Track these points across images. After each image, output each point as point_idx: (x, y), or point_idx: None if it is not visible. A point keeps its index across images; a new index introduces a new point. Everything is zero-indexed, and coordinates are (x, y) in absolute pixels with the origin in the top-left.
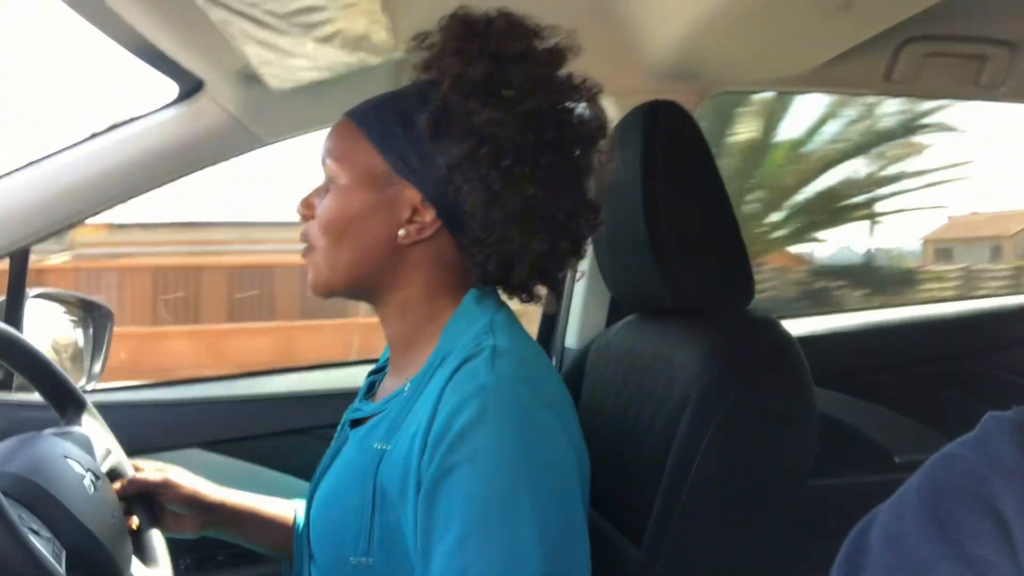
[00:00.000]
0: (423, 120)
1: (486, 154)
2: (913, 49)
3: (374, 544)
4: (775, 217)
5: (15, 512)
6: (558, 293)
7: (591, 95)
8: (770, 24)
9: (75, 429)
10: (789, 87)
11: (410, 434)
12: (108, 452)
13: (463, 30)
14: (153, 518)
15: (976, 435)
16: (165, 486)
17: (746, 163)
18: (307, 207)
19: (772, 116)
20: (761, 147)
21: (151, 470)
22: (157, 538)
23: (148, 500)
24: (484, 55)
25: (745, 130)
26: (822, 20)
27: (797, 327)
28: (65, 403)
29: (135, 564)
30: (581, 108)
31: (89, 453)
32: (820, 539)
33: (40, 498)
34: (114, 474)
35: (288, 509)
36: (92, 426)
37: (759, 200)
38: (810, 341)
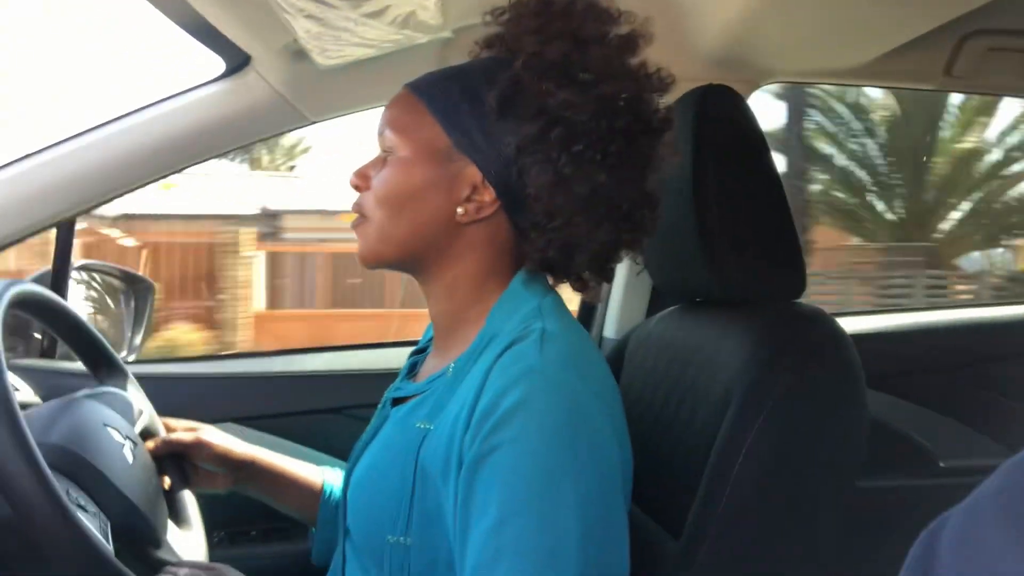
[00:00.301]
0: (491, 97)
1: (558, 136)
2: (975, 43)
3: (413, 524)
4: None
5: (62, 487)
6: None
7: (664, 86)
8: (827, 12)
9: (109, 389)
10: (844, 79)
11: (453, 414)
12: (140, 412)
13: (542, 8)
14: (184, 478)
15: None
16: (198, 445)
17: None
18: (362, 178)
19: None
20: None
21: (183, 429)
22: (189, 499)
23: (180, 459)
24: (563, 35)
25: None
26: (881, 11)
27: (844, 324)
28: (98, 362)
29: (169, 527)
30: (653, 99)
31: (125, 415)
32: (863, 540)
33: (84, 470)
34: (147, 433)
35: (317, 474)
36: (125, 386)
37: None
38: (856, 339)
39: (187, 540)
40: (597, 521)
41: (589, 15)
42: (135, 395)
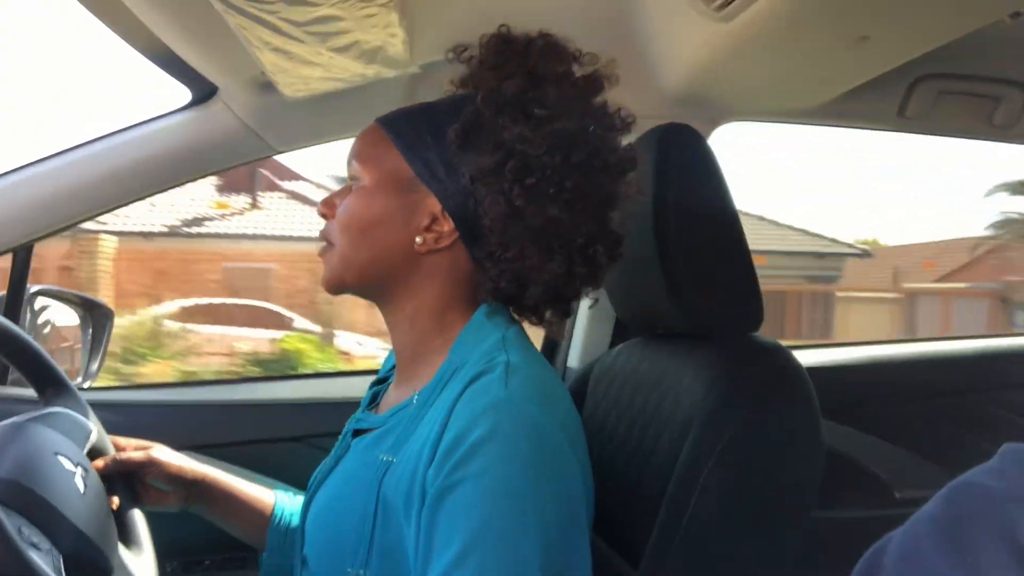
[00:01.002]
0: (452, 130)
1: (512, 169)
2: (927, 86)
3: (373, 557)
4: None
5: (14, 524)
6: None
7: (624, 125)
8: (785, 55)
9: (57, 410)
10: (802, 119)
11: (417, 447)
12: (89, 432)
13: (502, 47)
14: (134, 497)
15: (994, 464)
16: (150, 464)
17: None
18: (328, 207)
19: None
20: None
21: (133, 448)
22: (139, 520)
23: (129, 478)
24: (520, 72)
25: None
26: (837, 53)
27: (801, 357)
28: (45, 382)
29: (120, 550)
30: (613, 137)
31: (75, 439)
32: (820, 571)
33: (36, 505)
34: (95, 452)
35: (270, 497)
36: (72, 406)
37: None
38: (814, 372)
39: (137, 563)
40: (560, 552)
41: (546, 54)
42: (82, 415)
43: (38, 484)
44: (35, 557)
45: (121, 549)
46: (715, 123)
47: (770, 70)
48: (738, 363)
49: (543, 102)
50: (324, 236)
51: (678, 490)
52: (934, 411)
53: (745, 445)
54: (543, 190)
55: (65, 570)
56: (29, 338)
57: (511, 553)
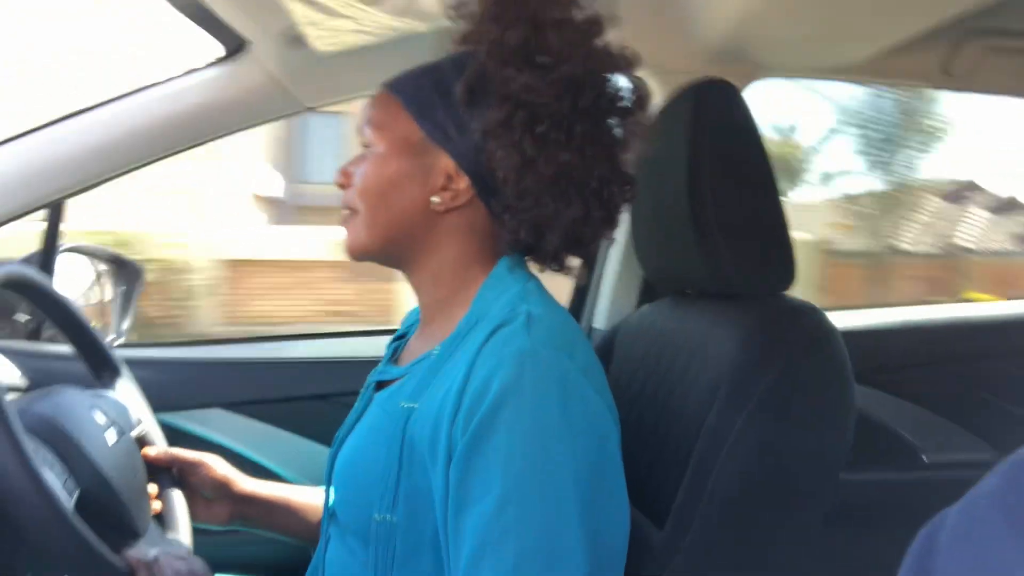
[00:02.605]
0: (459, 87)
1: (521, 120)
2: (975, 43)
3: (399, 502)
4: None
5: (32, 444)
6: (589, 265)
7: (629, 64)
8: (826, 8)
9: (109, 393)
10: (842, 76)
11: (440, 395)
12: (139, 420)
13: None
14: (175, 484)
15: None
16: (198, 465)
17: None
18: (345, 176)
19: None
20: None
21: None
22: (180, 508)
23: (177, 479)
24: (521, 20)
25: None
26: (881, 8)
27: (833, 319)
28: (102, 367)
29: (154, 527)
30: (620, 79)
31: (119, 414)
32: (846, 532)
33: (59, 438)
34: (144, 442)
35: (319, 497)
36: (126, 392)
37: None
38: (845, 335)
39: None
40: (597, 491)
41: (546, 0)
42: (134, 401)
43: (66, 421)
44: (45, 472)
45: (160, 531)
46: (751, 78)
47: (810, 25)
48: (769, 323)
49: (546, 49)
50: (346, 204)
51: (705, 451)
52: (963, 375)
53: (774, 407)
54: (554, 137)
55: (83, 506)
56: (89, 323)
57: (550, 498)
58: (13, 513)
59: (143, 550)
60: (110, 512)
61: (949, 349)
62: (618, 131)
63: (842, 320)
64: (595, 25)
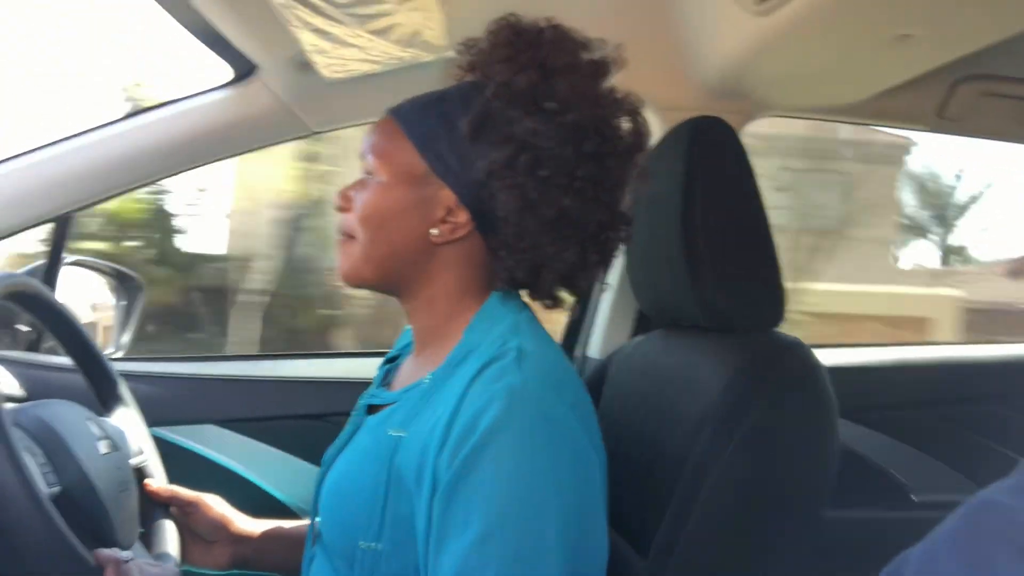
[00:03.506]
0: (464, 123)
1: (525, 162)
2: (969, 87)
3: (385, 530)
4: None
5: (17, 434)
6: (583, 302)
7: (633, 109)
8: (824, 50)
9: (109, 417)
10: (839, 116)
11: (428, 425)
12: (140, 451)
13: (513, 38)
14: (168, 516)
15: (1015, 482)
16: (196, 504)
17: None
18: (345, 199)
19: None
20: None
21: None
22: (171, 535)
23: (174, 515)
24: (532, 65)
25: None
26: (878, 50)
27: (822, 357)
28: (105, 392)
29: (143, 551)
30: (622, 122)
31: (116, 434)
32: (835, 570)
33: (48, 436)
34: (142, 474)
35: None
36: (128, 419)
37: None
38: (835, 371)
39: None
40: (579, 529)
41: (558, 45)
42: (136, 430)
43: (58, 424)
44: (24, 456)
45: (145, 555)
46: (749, 117)
47: (807, 66)
48: (757, 360)
49: (554, 95)
50: (344, 230)
51: (690, 483)
52: (954, 416)
53: (759, 442)
54: (556, 182)
55: (63, 504)
56: (100, 350)
57: (531, 535)
58: None
59: (115, 551)
60: (91, 517)
61: (939, 389)
62: (618, 173)
63: (832, 357)
64: (602, 69)
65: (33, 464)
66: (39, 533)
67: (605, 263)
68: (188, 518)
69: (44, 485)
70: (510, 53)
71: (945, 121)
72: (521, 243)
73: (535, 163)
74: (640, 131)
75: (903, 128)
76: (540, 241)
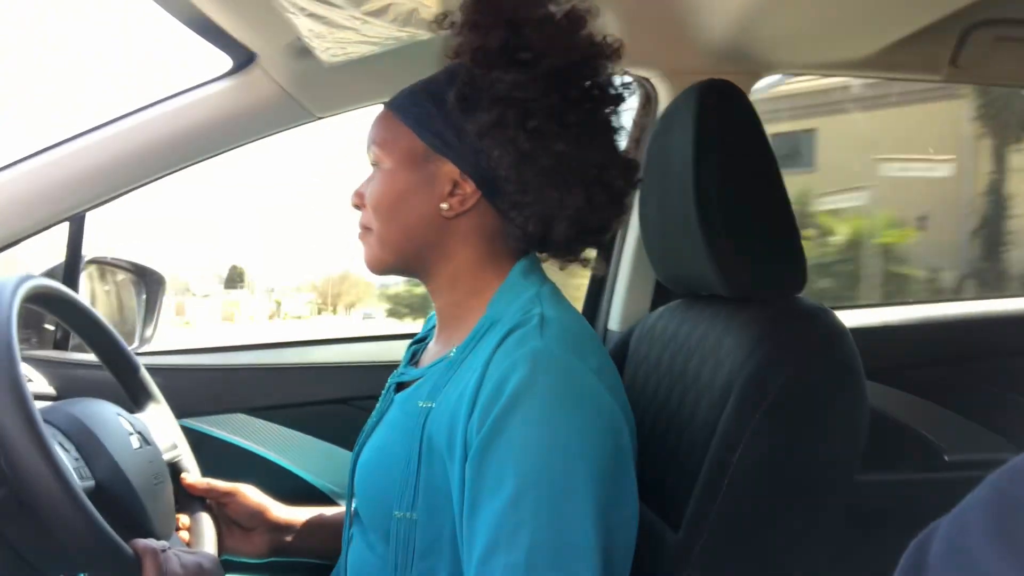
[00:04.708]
0: (451, 96)
1: (513, 117)
2: (982, 34)
3: (419, 499)
4: None
5: (50, 431)
6: (606, 257)
7: (613, 51)
8: (831, 3)
9: (141, 416)
10: (848, 71)
11: (456, 394)
12: (174, 446)
13: (478, 4)
14: (206, 509)
15: None
16: (233, 494)
17: None
18: (359, 197)
19: None
20: None
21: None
22: (209, 530)
23: (211, 506)
24: (499, 23)
25: None
26: (886, 1)
27: (847, 319)
28: (136, 391)
29: (181, 544)
30: (608, 68)
31: (147, 430)
32: (867, 533)
33: (80, 432)
34: (176, 469)
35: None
36: (159, 416)
37: None
38: (861, 333)
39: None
40: (610, 487)
41: (521, 1)
42: (168, 426)
43: (89, 420)
44: (56, 450)
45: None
46: (757, 76)
47: (815, 20)
48: (780, 326)
49: (527, 46)
50: (362, 224)
51: (718, 454)
52: (983, 372)
53: (786, 410)
54: (547, 130)
55: (98, 498)
56: (130, 351)
57: (563, 493)
58: (22, 487)
59: (151, 540)
60: (127, 509)
61: (966, 345)
62: (611, 118)
63: (856, 318)
64: (575, 19)
65: (67, 459)
66: (77, 525)
67: (617, 206)
68: (225, 508)
69: (78, 479)
70: (477, 17)
71: (958, 70)
72: (526, 197)
73: (523, 116)
74: (628, 77)
75: (916, 79)
76: (544, 191)
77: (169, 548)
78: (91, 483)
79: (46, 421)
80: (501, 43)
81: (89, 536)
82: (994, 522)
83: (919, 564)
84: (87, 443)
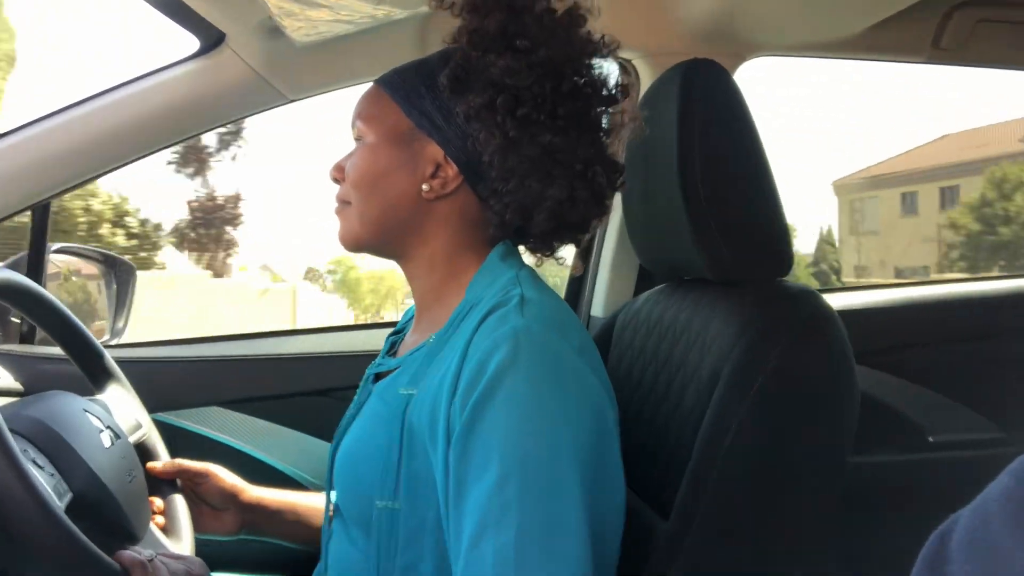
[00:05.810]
0: (443, 77)
1: (503, 102)
2: (964, 14)
3: (401, 487)
4: None
5: (21, 446)
6: (583, 253)
7: (609, 50)
8: None
9: (103, 398)
10: (832, 53)
11: (438, 378)
12: (138, 426)
13: None
14: (183, 495)
15: None
16: (205, 475)
17: None
18: (338, 170)
19: None
20: None
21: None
22: (183, 516)
23: (181, 488)
24: (499, 6)
25: None
26: None
27: (832, 301)
28: (96, 371)
29: (153, 533)
30: (603, 67)
31: (115, 418)
32: (853, 515)
33: (51, 440)
34: (144, 449)
35: (324, 502)
36: (122, 397)
37: None
38: (845, 315)
39: (176, 549)
40: (596, 466)
41: None
42: (131, 405)
43: (60, 426)
44: (32, 471)
45: (160, 536)
46: (741, 58)
47: (798, 1)
48: (767, 310)
49: (525, 33)
50: (339, 198)
51: (708, 440)
52: (968, 353)
53: (776, 394)
54: (535, 119)
55: (75, 510)
56: (83, 327)
57: (550, 472)
58: (1, 515)
59: (137, 550)
60: (106, 516)
61: (950, 327)
62: (605, 118)
63: (841, 300)
64: (575, 17)
65: (43, 476)
66: (60, 548)
67: (598, 204)
68: (198, 488)
69: (56, 499)
70: (477, 1)
71: (940, 51)
72: (507, 185)
73: (513, 102)
74: (625, 79)
75: (898, 61)
76: (526, 180)
77: (155, 557)
78: (69, 497)
79: (14, 432)
80: (499, 27)
81: (74, 558)
82: (1016, 512)
83: (941, 554)
84: (61, 454)
